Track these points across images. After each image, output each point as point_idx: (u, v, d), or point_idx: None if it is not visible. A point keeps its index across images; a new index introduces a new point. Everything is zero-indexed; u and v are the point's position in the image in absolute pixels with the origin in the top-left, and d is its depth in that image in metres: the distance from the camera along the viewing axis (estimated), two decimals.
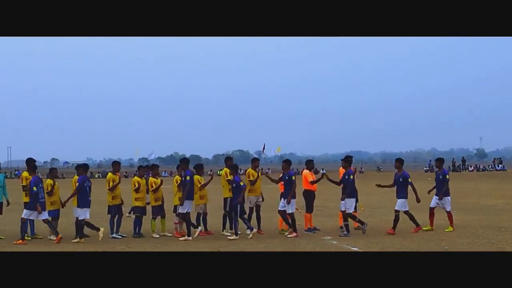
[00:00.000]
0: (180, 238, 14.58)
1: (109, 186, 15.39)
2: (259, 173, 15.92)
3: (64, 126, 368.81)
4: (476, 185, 38.95)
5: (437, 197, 15.59)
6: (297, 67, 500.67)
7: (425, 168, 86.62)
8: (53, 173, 15.95)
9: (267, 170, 64.14)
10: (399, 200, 15.32)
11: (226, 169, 15.75)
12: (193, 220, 15.15)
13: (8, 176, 70.53)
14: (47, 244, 14.00)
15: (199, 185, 15.31)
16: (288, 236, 14.72)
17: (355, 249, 12.50)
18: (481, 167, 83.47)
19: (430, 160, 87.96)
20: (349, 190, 14.99)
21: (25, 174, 15.32)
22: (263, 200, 15.82)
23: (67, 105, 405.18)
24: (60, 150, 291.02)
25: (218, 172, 52.93)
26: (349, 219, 14.98)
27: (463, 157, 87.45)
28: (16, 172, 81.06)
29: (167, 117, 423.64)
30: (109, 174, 15.86)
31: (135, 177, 15.88)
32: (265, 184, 16.31)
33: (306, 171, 16.10)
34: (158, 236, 15.05)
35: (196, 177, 15.46)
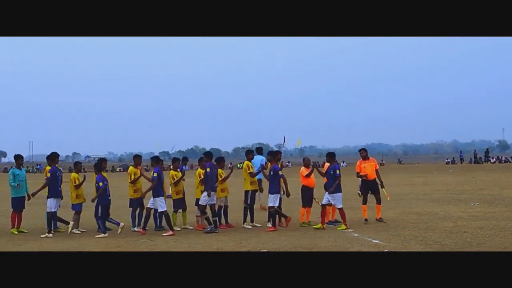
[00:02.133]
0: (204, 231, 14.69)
1: (130, 179, 15.50)
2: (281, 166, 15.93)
3: (85, 120, 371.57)
4: (498, 177, 38.61)
5: (328, 194, 14.97)
6: (312, 61, 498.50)
7: (446, 160, 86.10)
8: (77, 167, 16.11)
9: (287, 164, 64.16)
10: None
11: (247, 162, 15.78)
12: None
13: (30, 171, 71.70)
14: (70, 238, 14.13)
15: (220, 179, 15.41)
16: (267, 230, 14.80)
17: (376, 241, 12.46)
18: (503, 158, 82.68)
19: (461, 152, 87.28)
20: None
21: (49, 168, 15.54)
22: (284, 193, 15.84)
23: (89, 99, 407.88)
24: (81, 144, 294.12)
25: (238, 165, 52.98)
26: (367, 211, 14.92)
27: (487, 149, 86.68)
28: (38, 166, 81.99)
29: (188, 110, 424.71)
30: (131, 167, 15.96)
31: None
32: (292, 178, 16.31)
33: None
34: (179, 229, 15.13)
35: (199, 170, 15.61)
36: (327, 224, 15.35)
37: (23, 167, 15.98)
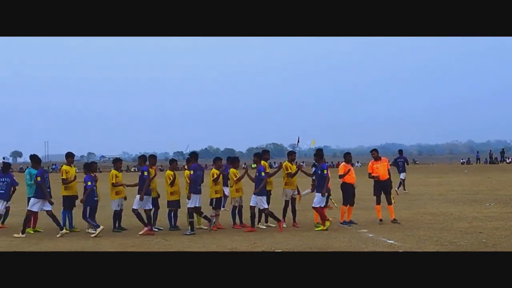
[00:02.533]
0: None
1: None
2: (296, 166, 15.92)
3: (100, 120, 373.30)
4: None
5: (320, 194, 14.89)
6: (321, 60, 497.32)
7: (461, 160, 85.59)
8: (93, 167, 16.23)
9: (301, 163, 64.15)
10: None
11: (263, 162, 15.78)
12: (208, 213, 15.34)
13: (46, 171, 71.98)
14: (85, 238, 14.21)
15: (235, 178, 15.45)
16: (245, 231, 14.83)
17: (391, 242, 12.42)
18: None
19: (478, 152, 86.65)
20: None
21: (65, 167, 15.65)
22: (298, 193, 15.85)
23: (104, 100, 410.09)
24: (96, 144, 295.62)
25: (252, 166, 52.94)
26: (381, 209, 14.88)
27: (502, 149, 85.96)
28: (54, 166, 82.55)
29: (202, 111, 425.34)
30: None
31: (168, 171, 15.96)
32: (300, 178, 16.30)
33: (342, 164, 16.12)
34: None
35: (232, 170, 15.64)
36: (341, 224, 15.34)
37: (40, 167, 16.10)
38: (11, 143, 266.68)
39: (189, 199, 14.65)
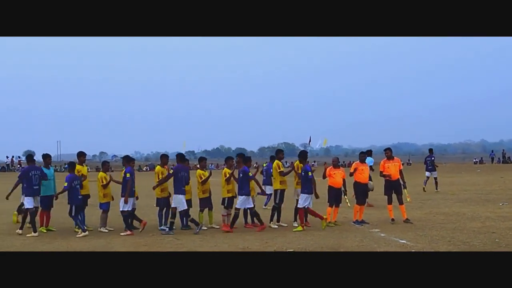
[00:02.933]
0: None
1: (158, 178, 15.59)
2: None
3: (112, 120, 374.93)
4: None
5: (303, 195, 14.90)
6: (330, 57, 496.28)
7: (474, 160, 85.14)
8: (105, 166, 16.26)
9: (313, 163, 63.97)
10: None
11: (277, 162, 15.76)
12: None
13: (58, 170, 72.66)
14: (98, 236, 14.26)
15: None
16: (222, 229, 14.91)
17: (403, 241, 12.37)
18: None
19: (493, 151, 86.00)
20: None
21: (77, 167, 15.68)
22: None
23: (115, 99, 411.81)
24: (108, 143, 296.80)
25: (264, 165, 52.93)
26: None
27: None
28: (66, 165, 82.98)
29: (213, 110, 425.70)
30: (158, 167, 16.05)
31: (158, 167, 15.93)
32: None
33: (355, 163, 16.11)
34: (206, 228, 15.18)
35: (225, 169, 15.67)
36: (353, 223, 15.31)
37: (51, 166, 16.13)
38: (24, 142, 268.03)
39: (173, 200, 14.76)
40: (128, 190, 14.65)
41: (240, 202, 14.85)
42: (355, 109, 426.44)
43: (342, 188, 16.09)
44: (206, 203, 15.64)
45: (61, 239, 13.76)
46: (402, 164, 16.83)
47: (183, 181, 14.86)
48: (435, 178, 27.26)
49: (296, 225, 15.15)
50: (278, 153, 16.29)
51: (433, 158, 27.73)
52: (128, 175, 14.74)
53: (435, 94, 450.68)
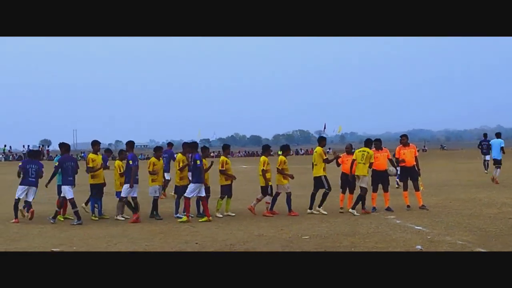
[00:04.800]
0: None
1: (179, 166, 15.68)
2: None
3: (127, 109, 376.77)
4: None
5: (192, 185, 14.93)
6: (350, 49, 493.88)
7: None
8: (122, 155, 16.35)
9: (328, 150, 63.81)
10: None
11: (321, 149, 15.70)
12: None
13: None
14: (114, 224, 14.36)
15: (263, 168, 15.39)
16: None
17: (419, 228, 12.35)
18: None
19: None
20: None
21: (91, 155, 15.76)
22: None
23: (130, 88, 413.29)
24: (124, 132, 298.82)
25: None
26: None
27: None
28: (82, 154, 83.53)
29: (228, 97, 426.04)
30: (179, 155, 16.10)
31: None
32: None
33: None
34: (221, 215, 15.22)
35: (263, 158, 15.63)
36: (374, 210, 15.25)
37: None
38: (41, 131, 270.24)
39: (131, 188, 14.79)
40: (133, 176, 14.78)
41: (191, 189, 14.82)
42: (370, 95, 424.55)
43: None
44: (227, 190, 15.69)
45: (78, 228, 13.84)
46: (418, 151, 16.74)
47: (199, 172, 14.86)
48: (487, 161, 28.42)
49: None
50: (321, 141, 16.33)
51: (487, 143, 28.03)
52: (130, 161, 14.85)
53: (450, 81, 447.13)
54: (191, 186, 14.78)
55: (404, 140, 16.12)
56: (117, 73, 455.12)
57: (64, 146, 15.31)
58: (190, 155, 15.71)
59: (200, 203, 15.28)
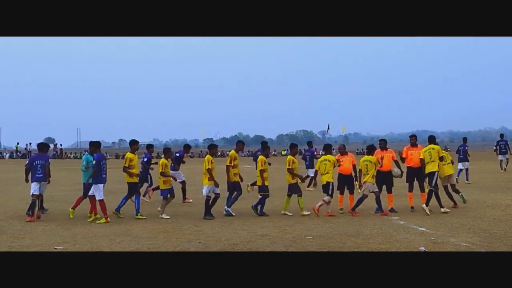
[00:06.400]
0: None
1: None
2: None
3: (131, 108, 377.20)
4: None
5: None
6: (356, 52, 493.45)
7: (494, 148, 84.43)
8: (168, 153, 16.49)
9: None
10: None
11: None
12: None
13: (77, 157, 73.52)
14: (118, 222, 14.32)
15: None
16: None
17: (423, 229, 12.32)
18: None
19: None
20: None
21: (129, 155, 15.43)
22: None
23: (134, 87, 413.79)
24: (127, 131, 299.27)
25: (283, 152, 53.01)
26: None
27: None
28: (86, 152, 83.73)
29: (231, 98, 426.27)
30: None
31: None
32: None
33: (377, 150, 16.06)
34: (291, 214, 15.30)
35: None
36: (391, 211, 15.18)
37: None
38: (44, 129, 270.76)
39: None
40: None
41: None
42: (374, 96, 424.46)
43: (353, 174, 15.99)
44: (294, 188, 15.62)
45: (80, 225, 13.81)
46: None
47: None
48: (502, 161, 30.53)
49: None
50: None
51: (504, 143, 30.07)
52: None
53: (454, 82, 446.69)
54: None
55: (413, 140, 16.09)
56: (122, 73, 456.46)
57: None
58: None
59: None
